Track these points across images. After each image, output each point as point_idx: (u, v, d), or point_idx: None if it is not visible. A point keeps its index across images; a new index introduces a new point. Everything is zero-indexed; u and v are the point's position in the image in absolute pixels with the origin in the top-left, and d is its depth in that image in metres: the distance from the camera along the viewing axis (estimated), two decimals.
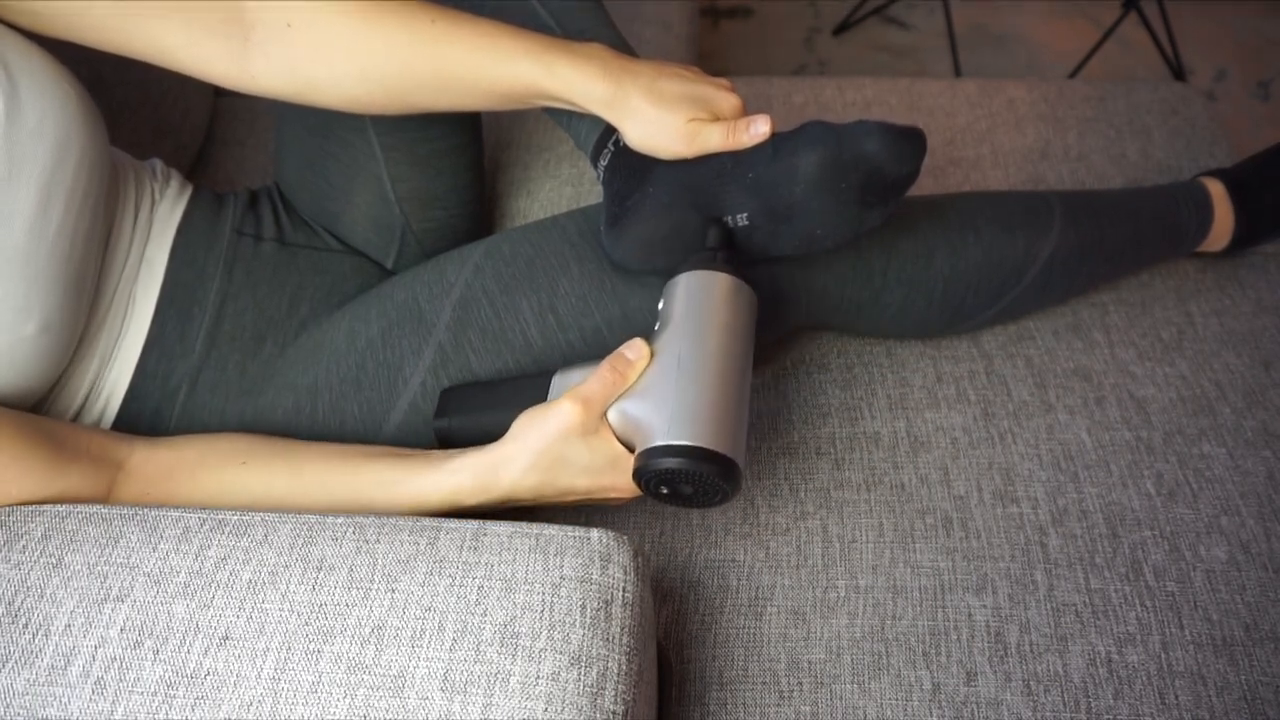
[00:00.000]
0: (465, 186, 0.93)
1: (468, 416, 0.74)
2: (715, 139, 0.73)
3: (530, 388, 0.73)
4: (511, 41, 0.72)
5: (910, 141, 0.71)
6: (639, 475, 0.66)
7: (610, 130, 0.78)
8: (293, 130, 0.89)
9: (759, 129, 0.73)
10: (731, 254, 0.73)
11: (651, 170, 0.75)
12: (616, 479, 0.68)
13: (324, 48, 0.70)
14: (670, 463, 0.64)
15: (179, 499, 0.69)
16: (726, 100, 0.74)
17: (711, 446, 0.64)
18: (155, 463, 0.70)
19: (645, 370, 0.68)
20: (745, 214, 0.73)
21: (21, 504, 0.63)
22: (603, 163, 0.79)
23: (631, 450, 0.68)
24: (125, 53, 0.70)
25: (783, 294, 0.81)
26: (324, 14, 0.69)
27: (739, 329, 0.70)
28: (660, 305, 0.72)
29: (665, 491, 0.67)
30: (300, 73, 0.71)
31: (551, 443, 0.67)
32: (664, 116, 0.72)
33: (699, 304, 0.70)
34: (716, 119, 0.73)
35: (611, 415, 0.68)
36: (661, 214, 0.74)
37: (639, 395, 0.67)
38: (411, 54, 0.71)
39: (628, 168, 0.76)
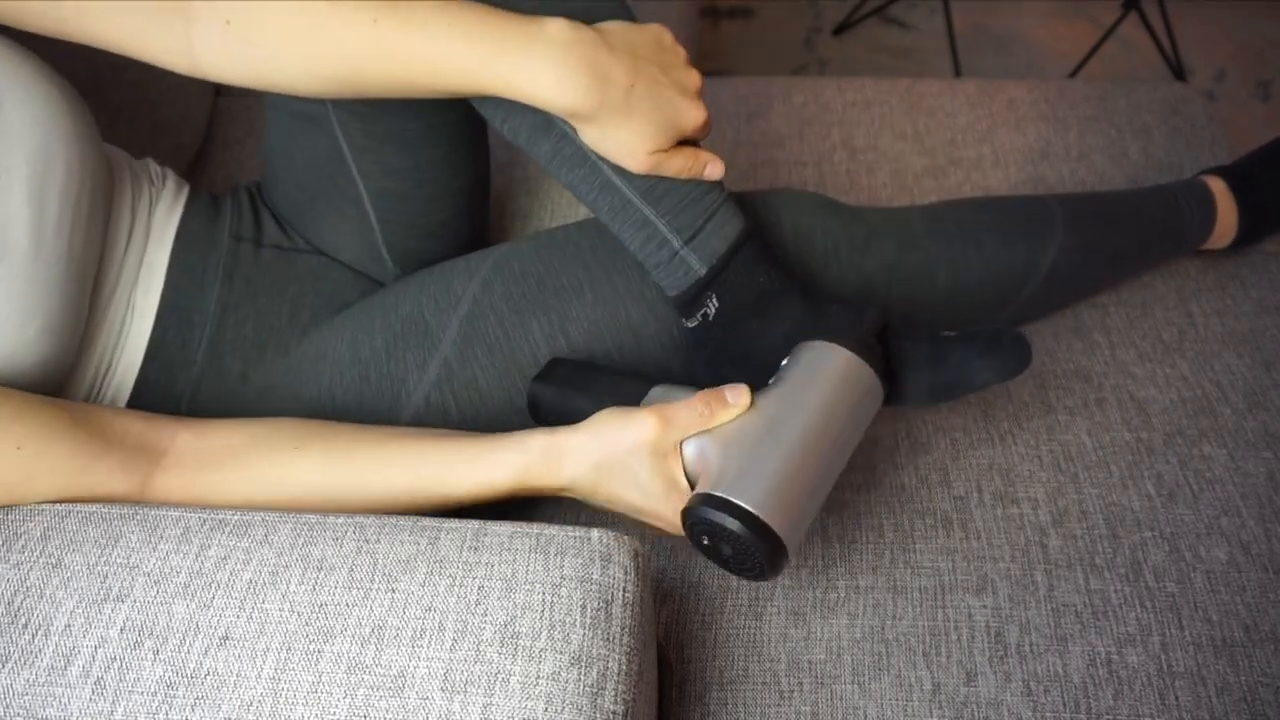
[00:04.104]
0: (460, 229, 0.90)
1: (563, 391, 0.73)
2: (672, 168, 0.71)
3: (628, 388, 0.71)
4: (463, 45, 0.67)
5: (1020, 368, 0.73)
6: (688, 516, 0.64)
7: (706, 291, 0.74)
8: (281, 161, 0.86)
9: (714, 171, 0.72)
10: (883, 346, 0.71)
11: (748, 357, 0.74)
12: (666, 510, 0.67)
13: (267, 46, 0.67)
14: (721, 518, 0.62)
15: (228, 487, 0.67)
16: (693, 120, 0.71)
17: (769, 521, 0.62)
18: (203, 449, 0.68)
19: (739, 418, 0.67)
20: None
21: (52, 501, 0.62)
22: (691, 324, 0.76)
23: (694, 488, 0.66)
24: (90, 44, 0.68)
25: None
26: (261, 15, 0.66)
27: (849, 419, 0.68)
28: (784, 361, 0.71)
29: (705, 542, 0.65)
30: (248, 66, 0.68)
31: (621, 448, 0.66)
32: (630, 140, 0.69)
33: (818, 376, 0.68)
34: (682, 136, 0.71)
35: (688, 447, 0.67)
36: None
37: (722, 439, 0.66)
38: (359, 57, 0.67)
39: (719, 344, 0.75)
